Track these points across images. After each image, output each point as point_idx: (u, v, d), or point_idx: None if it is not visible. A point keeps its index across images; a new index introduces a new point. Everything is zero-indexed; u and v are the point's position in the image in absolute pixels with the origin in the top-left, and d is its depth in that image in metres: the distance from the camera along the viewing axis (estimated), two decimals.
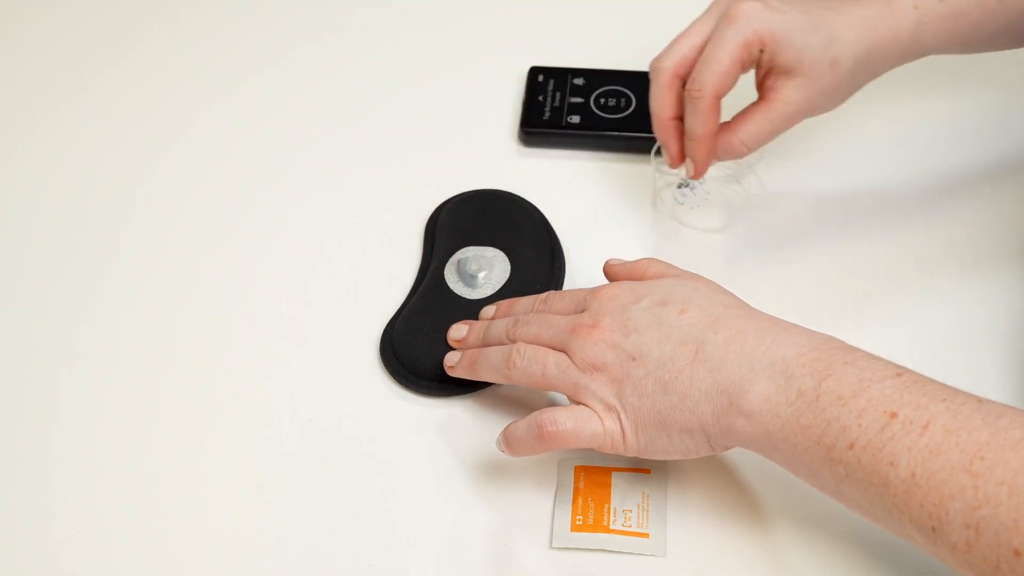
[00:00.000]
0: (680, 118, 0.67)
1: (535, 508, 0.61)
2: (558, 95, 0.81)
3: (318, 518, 0.61)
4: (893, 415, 0.49)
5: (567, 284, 0.70)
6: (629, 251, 0.70)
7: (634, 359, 0.57)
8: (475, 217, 0.73)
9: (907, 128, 0.78)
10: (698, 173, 0.68)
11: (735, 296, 0.59)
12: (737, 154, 0.66)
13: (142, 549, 0.61)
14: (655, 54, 0.84)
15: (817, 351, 0.53)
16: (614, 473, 0.61)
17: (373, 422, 0.65)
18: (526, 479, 0.62)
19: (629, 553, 0.58)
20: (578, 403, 0.58)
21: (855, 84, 0.66)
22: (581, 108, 0.80)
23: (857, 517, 0.53)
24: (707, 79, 0.63)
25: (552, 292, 0.65)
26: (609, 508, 0.60)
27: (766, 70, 0.65)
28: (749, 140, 0.65)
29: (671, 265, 0.63)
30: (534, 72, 0.83)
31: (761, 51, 0.63)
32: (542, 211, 0.74)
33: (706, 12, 0.66)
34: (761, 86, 0.66)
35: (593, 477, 0.61)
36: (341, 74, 0.86)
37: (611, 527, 0.59)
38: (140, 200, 0.78)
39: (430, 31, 0.89)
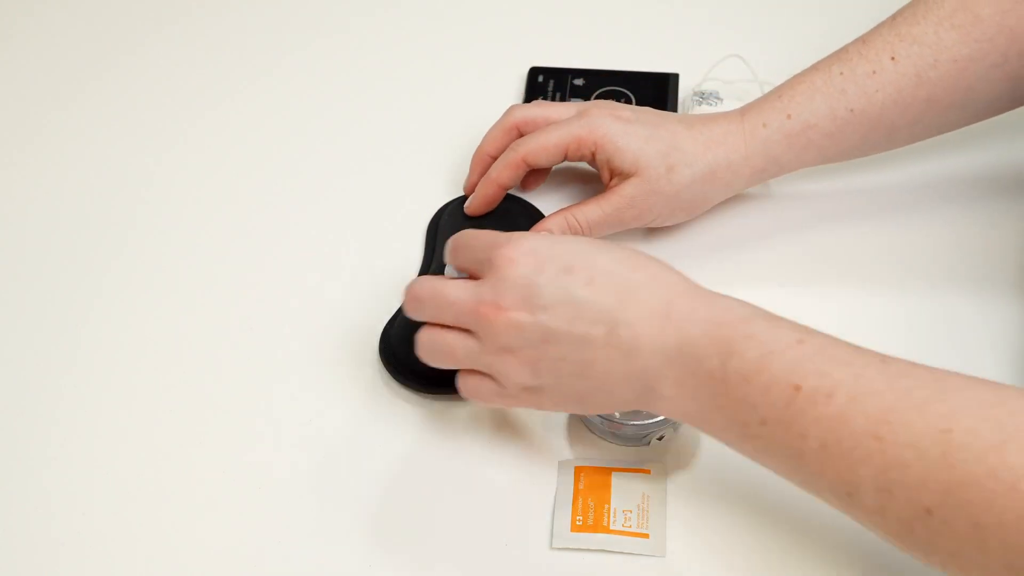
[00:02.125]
0: (495, 158, 0.72)
1: (535, 508, 0.61)
2: (558, 95, 0.81)
3: (317, 518, 0.61)
4: (797, 388, 0.49)
5: None
6: None
7: (546, 341, 0.55)
8: (476, 218, 0.73)
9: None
10: (473, 209, 0.72)
11: (637, 254, 0.57)
12: (574, 232, 0.69)
13: (143, 550, 0.60)
14: (655, 55, 0.85)
15: (720, 327, 0.53)
16: (614, 473, 0.61)
17: (372, 422, 0.65)
18: (526, 479, 0.62)
19: (629, 553, 0.58)
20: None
21: (701, 195, 0.69)
22: None
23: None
24: (527, 145, 0.69)
25: (458, 240, 0.60)
26: (609, 508, 0.60)
27: (609, 170, 0.69)
28: (582, 222, 0.69)
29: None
30: (534, 72, 0.83)
31: (594, 152, 0.68)
32: (542, 212, 0.74)
33: (579, 104, 0.72)
34: (607, 184, 0.70)
35: (593, 477, 0.61)
36: (341, 76, 0.86)
37: (611, 527, 0.59)
38: (141, 202, 0.78)
39: (430, 32, 0.89)
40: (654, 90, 0.80)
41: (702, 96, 0.79)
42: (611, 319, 0.54)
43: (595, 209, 0.69)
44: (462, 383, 0.59)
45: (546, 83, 0.82)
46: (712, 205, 0.71)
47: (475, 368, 0.58)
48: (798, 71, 0.70)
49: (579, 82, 0.82)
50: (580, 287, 0.55)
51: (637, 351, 0.54)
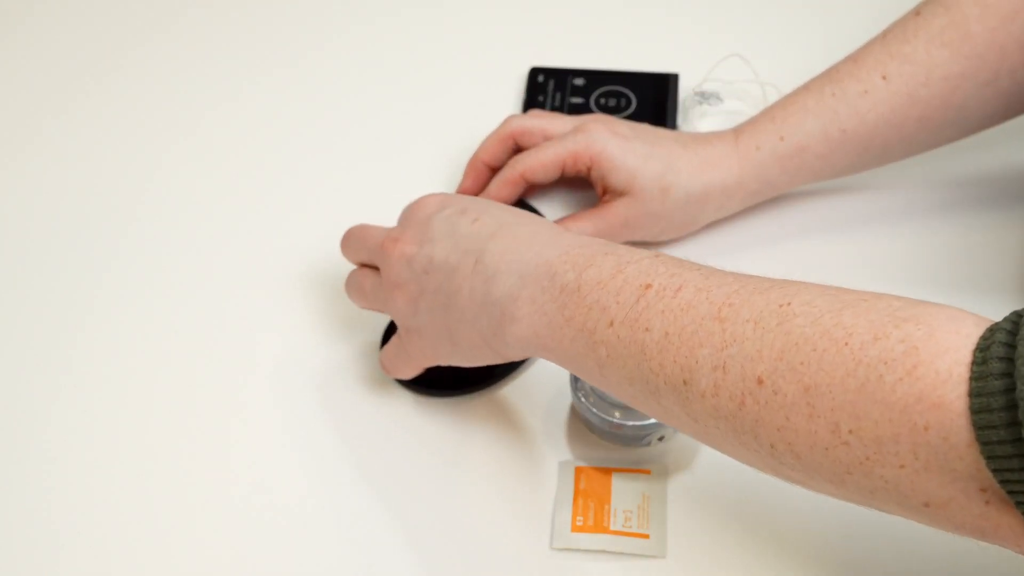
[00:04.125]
0: (490, 166, 0.73)
1: (535, 508, 0.61)
2: (558, 95, 0.81)
3: (317, 518, 0.61)
4: (648, 286, 0.50)
5: None
6: None
7: (427, 272, 0.57)
8: None
9: None
10: None
11: (540, 217, 0.59)
12: None
13: (142, 552, 0.61)
14: (655, 55, 0.84)
15: (580, 248, 0.53)
16: (614, 474, 0.61)
17: (372, 422, 0.65)
18: (526, 479, 0.62)
19: (629, 554, 0.59)
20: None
21: (692, 217, 0.70)
22: (581, 108, 0.80)
23: (856, 520, 0.53)
24: (525, 161, 0.70)
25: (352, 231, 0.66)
26: (609, 509, 0.60)
27: (603, 187, 0.69)
28: None
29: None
30: (534, 72, 0.83)
31: (590, 168, 0.69)
32: (543, 213, 0.74)
33: (577, 118, 0.72)
34: (601, 197, 0.70)
35: (593, 478, 0.61)
36: (341, 75, 0.86)
37: (611, 528, 0.59)
38: (140, 202, 0.78)
39: (430, 33, 0.89)
40: (654, 90, 0.80)
41: (702, 96, 0.79)
42: (481, 248, 0.56)
43: (587, 225, 0.69)
44: (380, 355, 0.65)
45: (546, 83, 0.82)
46: (703, 225, 0.71)
47: (378, 307, 0.62)
48: (798, 70, 0.70)
49: (579, 82, 0.82)
50: (466, 224, 0.57)
51: (496, 275, 0.54)
